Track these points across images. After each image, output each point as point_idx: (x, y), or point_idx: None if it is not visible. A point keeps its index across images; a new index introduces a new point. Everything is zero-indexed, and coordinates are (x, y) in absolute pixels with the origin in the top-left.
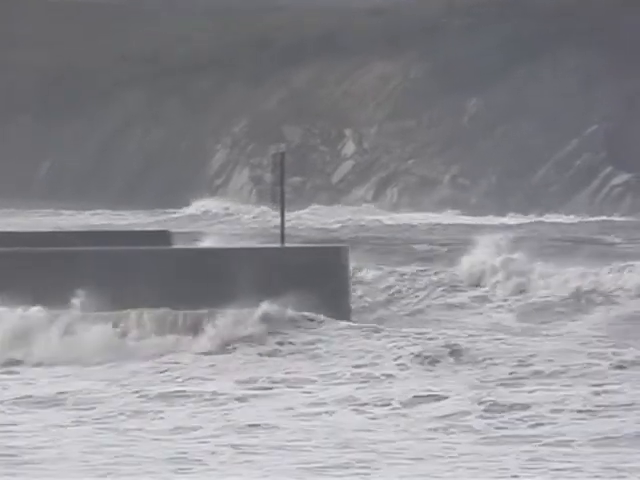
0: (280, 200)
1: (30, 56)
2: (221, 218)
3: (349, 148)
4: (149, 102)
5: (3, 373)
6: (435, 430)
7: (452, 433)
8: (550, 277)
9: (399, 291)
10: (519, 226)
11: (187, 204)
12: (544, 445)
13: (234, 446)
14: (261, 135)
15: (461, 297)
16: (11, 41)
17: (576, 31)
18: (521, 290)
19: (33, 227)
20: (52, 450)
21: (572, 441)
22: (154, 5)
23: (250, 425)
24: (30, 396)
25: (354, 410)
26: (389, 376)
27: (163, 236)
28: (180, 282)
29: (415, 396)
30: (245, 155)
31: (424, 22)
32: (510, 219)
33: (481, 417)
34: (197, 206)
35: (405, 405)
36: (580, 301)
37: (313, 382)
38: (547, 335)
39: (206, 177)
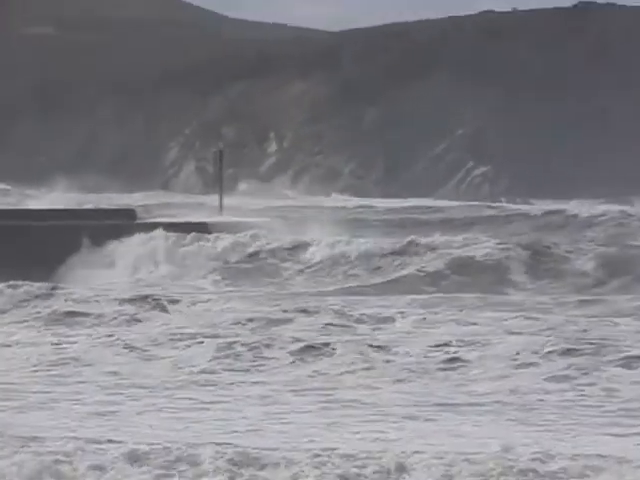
0: (219, 186)
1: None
2: None
3: (273, 146)
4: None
5: None
6: None
7: None
8: None
9: None
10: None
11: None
12: None
13: None
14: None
15: None
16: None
17: (450, 57)
18: None
19: None
20: None
21: None
22: (131, 37)
23: None
24: None
25: None
26: None
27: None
28: None
29: None
30: (193, 151)
31: (332, 49)
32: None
33: None
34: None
35: None
36: None
37: None
38: None
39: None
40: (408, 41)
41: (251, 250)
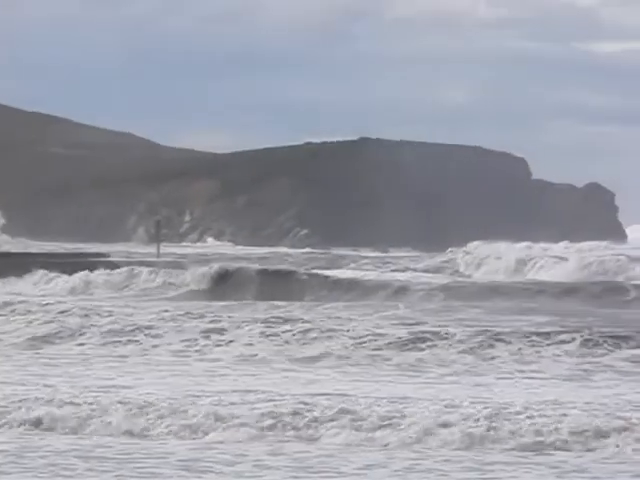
0: (157, 242)
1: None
2: None
3: (187, 217)
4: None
5: None
6: None
7: None
8: None
9: None
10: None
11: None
12: None
13: None
14: (150, 213)
15: None
16: None
17: (287, 169)
18: None
19: None
20: None
21: None
22: (109, 155)
23: None
24: None
25: None
26: None
27: (105, 255)
28: None
29: None
30: (144, 219)
31: (220, 162)
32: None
33: None
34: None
35: None
36: None
37: None
38: None
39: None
40: (265, 158)
41: (158, 275)
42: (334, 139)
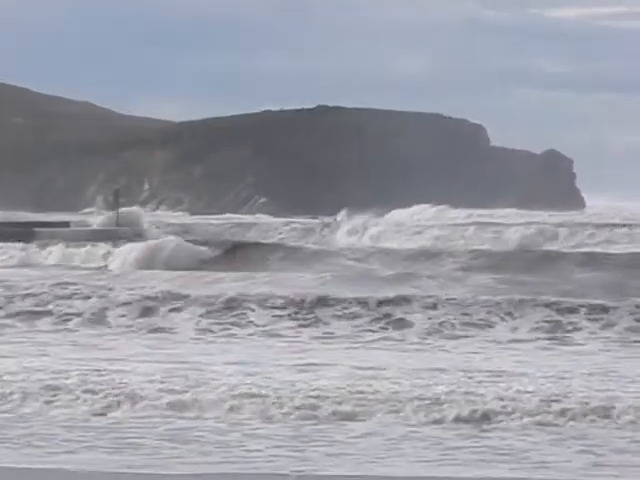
0: (116, 210)
1: None
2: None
3: (146, 186)
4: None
5: None
6: None
7: None
8: None
9: None
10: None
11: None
12: None
13: None
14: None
15: None
16: None
17: (245, 138)
18: None
19: None
20: None
21: None
22: (72, 126)
23: None
24: None
25: None
26: None
27: (66, 224)
28: None
29: None
30: (103, 188)
31: (176, 131)
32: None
33: None
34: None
35: None
36: None
37: None
38: None
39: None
40: (219, 127)
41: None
42: (292, 107)
